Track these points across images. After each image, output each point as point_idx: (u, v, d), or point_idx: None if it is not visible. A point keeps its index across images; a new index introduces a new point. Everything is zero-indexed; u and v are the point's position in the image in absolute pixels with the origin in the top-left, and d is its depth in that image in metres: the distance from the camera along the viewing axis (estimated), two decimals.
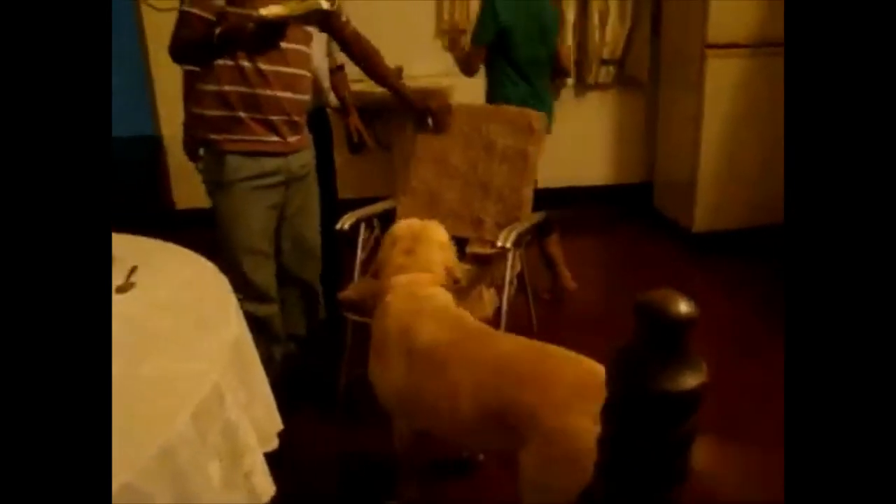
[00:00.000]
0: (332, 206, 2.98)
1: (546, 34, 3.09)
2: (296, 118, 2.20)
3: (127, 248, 1.64)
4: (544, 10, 3.08)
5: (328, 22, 2.26)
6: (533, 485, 1.44)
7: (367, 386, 1.83)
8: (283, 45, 2.01)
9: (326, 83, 2.92)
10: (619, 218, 4.64)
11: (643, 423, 0.47)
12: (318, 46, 2.59)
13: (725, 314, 3.25)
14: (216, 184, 2.13)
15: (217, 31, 1.90)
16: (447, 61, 4.29)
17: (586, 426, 1.24)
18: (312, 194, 2.40)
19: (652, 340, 0.46)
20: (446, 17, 4.32)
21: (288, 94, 2.14)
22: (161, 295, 1.41)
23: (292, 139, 2.20)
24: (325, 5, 1.85)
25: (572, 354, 1.52)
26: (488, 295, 2.33)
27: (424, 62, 4.15)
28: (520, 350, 1.59)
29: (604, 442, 0.50)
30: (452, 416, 1.58)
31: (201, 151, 2.31)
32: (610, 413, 0.50)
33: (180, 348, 1.20)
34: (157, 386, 1.08)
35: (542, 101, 3.08)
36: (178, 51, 2.03)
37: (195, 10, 1.96)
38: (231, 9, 1.98)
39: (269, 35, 1.87)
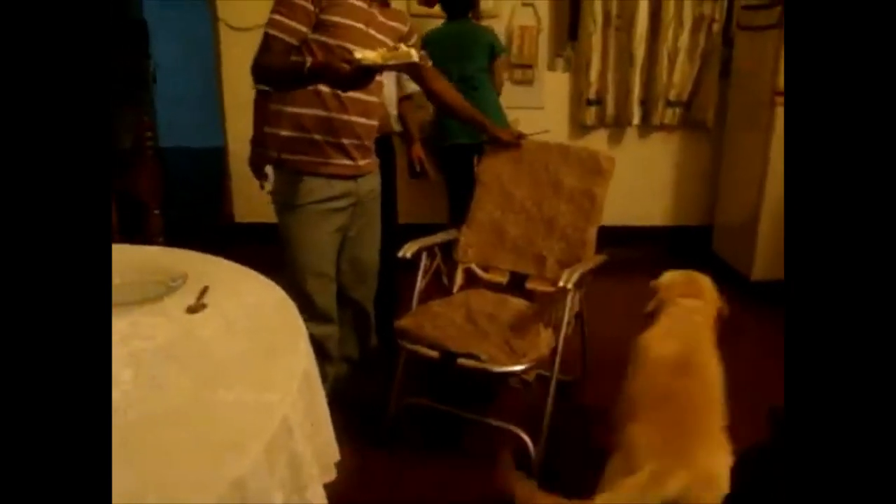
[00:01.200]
0: (393, 232, 3.01)
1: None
2: (367, 143, 2.25)
3: (198, 267, 1.68)
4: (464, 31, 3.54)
5: (417, 73, 2.34)
6: None
7: (414, 415, 1.83)
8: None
9: (394, 110, 2.97)
10: (677, 260, 4.55)
11: None
12: (388, 74, 2.64)
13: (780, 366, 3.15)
14: (286, 204, 2.17)
15: (308, 65, 1.93)
16: (513, 94, 4.33)
17: None
18: (375, 218, 2.42)
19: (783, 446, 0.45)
20: (515, 51, 4.35)
21: (362, 120, 2.19)
22: (232, 318, 1.43)
23: (363, 163, 2.24)
24: (416, 58, 1.92)
25: None
26: (546, 334, 2.31)
27: None
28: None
29: None
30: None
31: (267, 169, 2.35)
32: None
33: (252, 376, 1.21)
34: (229, 414, 1.09)
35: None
36: (261, 73, 2.08)
37: (281, 36, 2.02)
38: (315, 37, 2.04)
39: (362, 79, 1.92)
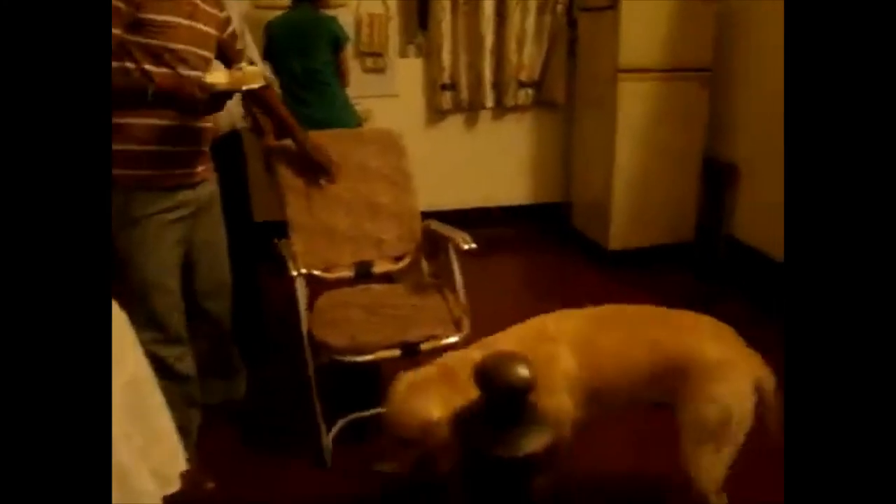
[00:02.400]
0: (248, 231, 2.93)
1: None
2: (204, 148, 2.13)
3: None
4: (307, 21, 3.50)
5: (263, 94, 2.30)
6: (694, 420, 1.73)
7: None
8: (190, 73, 1.95)
9: (236, 108, 2.86)
10: (538, 237, 4.71)
11: (487, 485, 0.46)
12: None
13: None
14: (122, 222, 1.95)
15: (151, 90, 1.79)
16: (365, 83, 4.32)
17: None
18: (219, 223, 2.29)
19: (492, 405, 0.46)
20: (364, 39, 4.32)
21: (200, 125, 2.06)
22: None
23: (201, 168, 2.11)
24: (264, 80, 1.92)
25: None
26: (452, 297, 2.43)
27: None
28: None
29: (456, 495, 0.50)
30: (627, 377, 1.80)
31: None
32: (462, 478, 0.50)
33: None
34: None
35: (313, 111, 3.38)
36: None
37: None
38: (134, 39, 1.85)
39: (214, 105, 1.85)
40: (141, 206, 1.96)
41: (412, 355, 2.18)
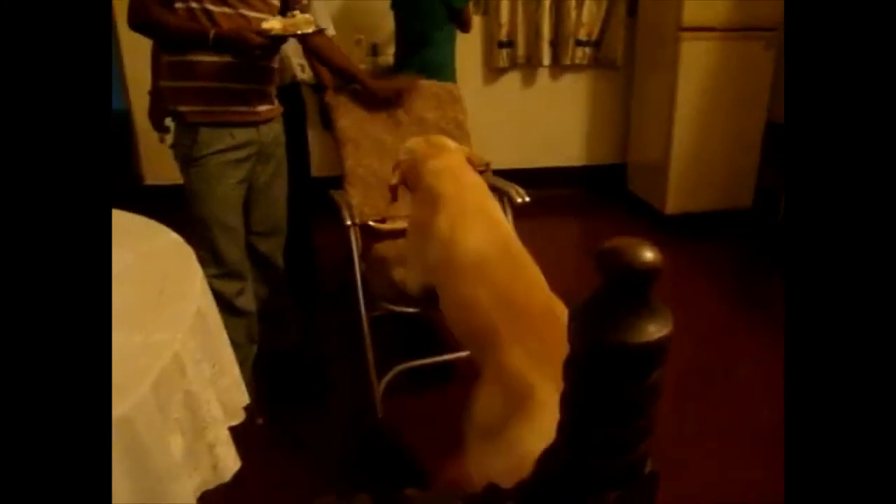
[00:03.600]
0: (305, 185, 2.95)
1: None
2: (267, 88, 2.16)
3: None
4: None
5: (317, 41, 2.38)
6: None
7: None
8: (251, 13, 1.99)
9: (296, 59, 2.87)
10: (592, 199, 4.65)
11: (606, 376, 0.45)
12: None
13: (696, 295, 3.28)
14: (187, 158, 2.06)
15: (212, 34, 1.89)
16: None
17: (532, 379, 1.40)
18: (282, 167, 2.34)
19: (614, 290, 0.45)
20: None
21: (260, 64, 2.09)
22: (125, 266, 1.37)
23: (262, 109, 2.15)
24: (314, 27, 2.02)
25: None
26: None
27: None
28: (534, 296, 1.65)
29: (566, 397, 0.49)
30: (459, 314, 1.74)
31: (167, 122, 2.25)
32: (572, 367, 0.49)
33: (142, 320, 1.16)
34: (115, 357, 1.05)
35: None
36: (148, 28, 1.97)
37: None
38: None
39: (270, 50, 1.99)
40: (205, 143, 2.03)
41: None
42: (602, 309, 0.45)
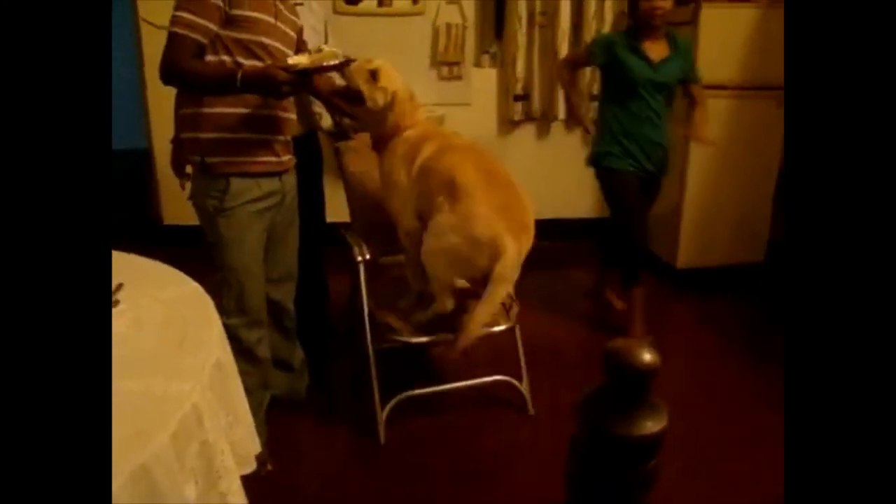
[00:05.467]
0: (320, 230, 3.00)
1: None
2: (288, 137, 2.24)
3: (113, 264, 1.65)
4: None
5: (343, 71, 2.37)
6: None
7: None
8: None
9: (317, 107, 2.94)
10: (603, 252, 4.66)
11: (608, 463, 0.48)
12: None
13: (706, 348, 3.28)
14: (217, 208, 2.09)
15: (240, 74, 1.93)
16: (441, 91, 4.38)
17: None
18: (296, 216, 2.41)
19: (617, 387, 0.48)
20: (441, 48, 4.38)
21: (284, 114, 2.18)
22: (145, 313, 1.42)
23: (286, 158, 2.23)
24: (342, 57, 2.03)
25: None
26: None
27: (418, 91, 4.19)
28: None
29: (569, 480, 0.52)
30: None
31: (189, 169, 2.32)
32: (577, 452, 0.52)
33: (161, 368, 1.20)
34: (135, 404, 1.09)
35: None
36: (177, 77, 1.99)
37: (191, 35, 1.94)
38: (226, 33, 1.98)
39: (299, 86, 1.98)
40: (237, 194, 2.08)
41: None
42: (606, 403, 0.49)
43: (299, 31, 2.28)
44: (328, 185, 3.13)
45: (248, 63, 2.02)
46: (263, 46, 2.05)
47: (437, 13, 4.35)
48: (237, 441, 1.32)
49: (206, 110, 2.06)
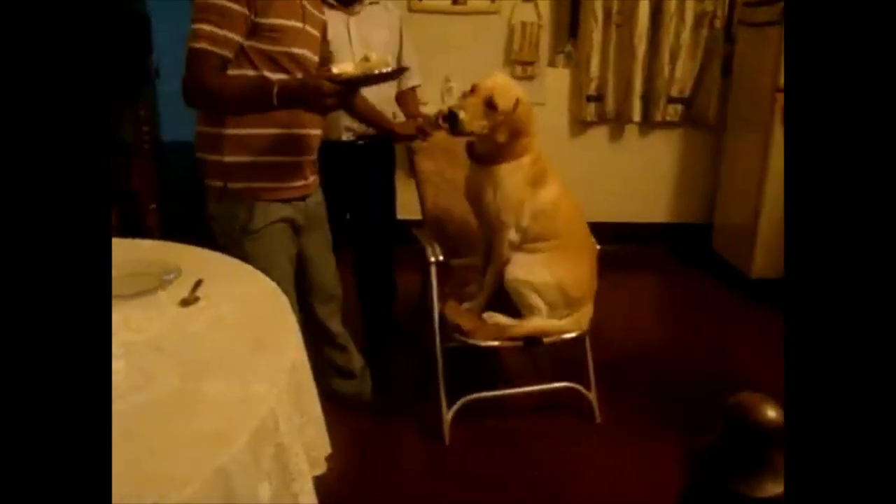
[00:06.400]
0: (390, 228, 3.02)
1: None
2: (313, 157, 2.10)
3: (192, 261, 1.69)
4: None
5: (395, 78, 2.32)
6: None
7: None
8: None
9: (391, 110, 2.92)
10: (675, 258, 4.57)
11: None
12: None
13: (778, 364, 3.16)
14: (244, 229, 1.94)
15: (275, 91, 1.71)
16: None
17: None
18: (327, 232, 2.27)
19: (738, 443, 0.45)
20: (516, 47, 4.34)
21: (315, 131, 2.06)
22: (224, 311, 1.44)
23: (312, 179, 2.11)
24: (393, 64, 1.94)
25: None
26: None
27: None
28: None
29: None
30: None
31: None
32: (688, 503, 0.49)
33: (240, 368, 1.22)
34: (215, 405, 1.10)
35: None
36: (203, 97, 1.80)
37: (215, 50, 1.76)
38: (252, 44, 1.81)
39: (346, 97, 1.77)
40: (262, 217, 1.95)
41: (534, 345, 2.35)
42: (724, 457, 0.46)
43: (323, 29, 2.11)
44: (399, 181, 3.13)
45: (276, 77, 1.84)
46: (291, 57, 1.89)
47: (512, 11, 4.31)
48: (309, 442, 1.33)
49: (230, 132, 1.89)
